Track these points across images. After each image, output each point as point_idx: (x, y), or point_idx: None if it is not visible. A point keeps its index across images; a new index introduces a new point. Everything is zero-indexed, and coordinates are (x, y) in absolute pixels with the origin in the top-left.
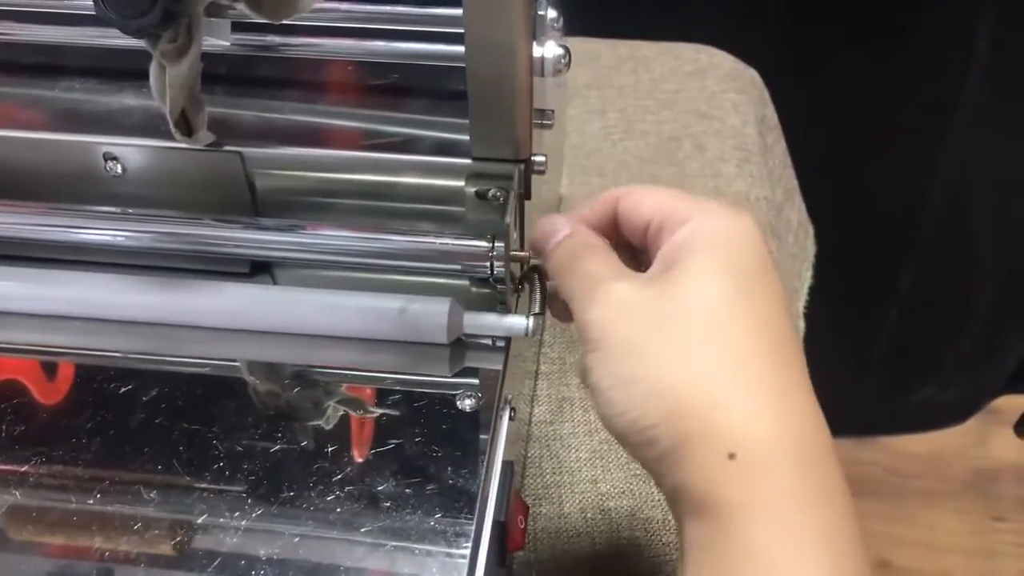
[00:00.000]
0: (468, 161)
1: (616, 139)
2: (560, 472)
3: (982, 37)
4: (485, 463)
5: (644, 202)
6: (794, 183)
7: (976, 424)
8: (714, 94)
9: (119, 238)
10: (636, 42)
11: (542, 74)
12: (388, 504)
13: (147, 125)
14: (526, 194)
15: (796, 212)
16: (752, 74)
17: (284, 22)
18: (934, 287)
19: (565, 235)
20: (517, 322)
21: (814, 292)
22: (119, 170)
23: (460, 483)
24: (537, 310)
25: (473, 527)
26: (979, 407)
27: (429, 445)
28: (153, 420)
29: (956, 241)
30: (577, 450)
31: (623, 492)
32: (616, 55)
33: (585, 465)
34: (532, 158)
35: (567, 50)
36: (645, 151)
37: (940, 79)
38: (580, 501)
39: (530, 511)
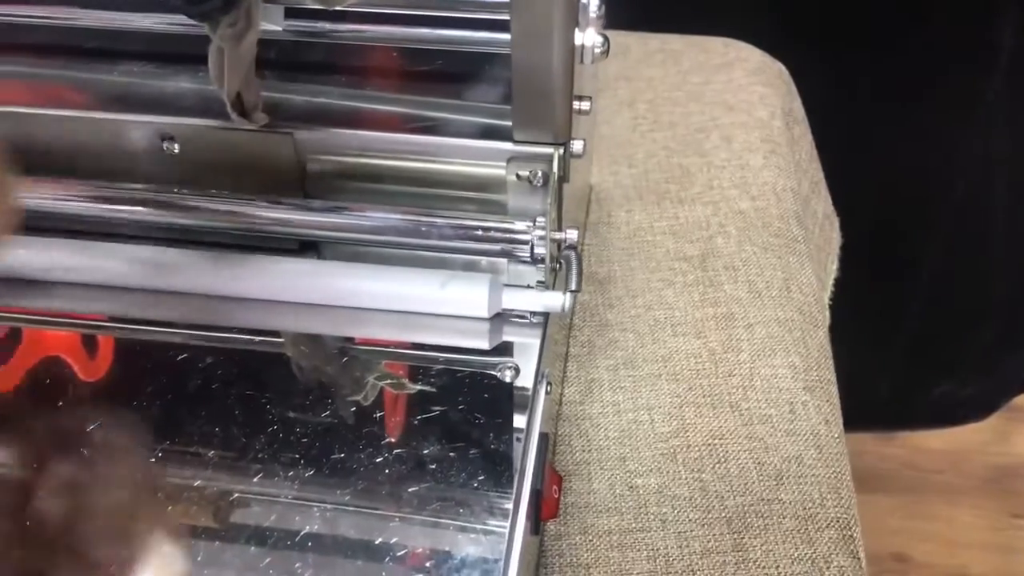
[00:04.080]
0: (510, 145)
1: (645, 130)
2: (589, 450)
3: (1007, 33)
4: (525, 431)
5: None
6: (820, 176)
7: (997, 421)
8: (742, 87)
9: (172, 215)
10: (665, 35)
11: (581, 61)
12: (433, 466)
13: (202, 107)
14: (565, 177)
15: (822, 204)
16: (779, 68)
17: (335, 8)
18: (956, 283)
19: None
20: (554, 298)
21: (836, 285)
22: (176, 149)
23: (501, 449)
24: (573, 287)
25: (513, 490)
26: (1000, 404)
27: (472, 413)
28: (209, 386)
29: (978, 237)
30: (606, 429)
31: (651, 470)
32: (646, 48)
33: (613, 444)
34: (571, 142)
35: (606, 38)
36: (673, 142)
37: (964, 75)
38: (609, 478)
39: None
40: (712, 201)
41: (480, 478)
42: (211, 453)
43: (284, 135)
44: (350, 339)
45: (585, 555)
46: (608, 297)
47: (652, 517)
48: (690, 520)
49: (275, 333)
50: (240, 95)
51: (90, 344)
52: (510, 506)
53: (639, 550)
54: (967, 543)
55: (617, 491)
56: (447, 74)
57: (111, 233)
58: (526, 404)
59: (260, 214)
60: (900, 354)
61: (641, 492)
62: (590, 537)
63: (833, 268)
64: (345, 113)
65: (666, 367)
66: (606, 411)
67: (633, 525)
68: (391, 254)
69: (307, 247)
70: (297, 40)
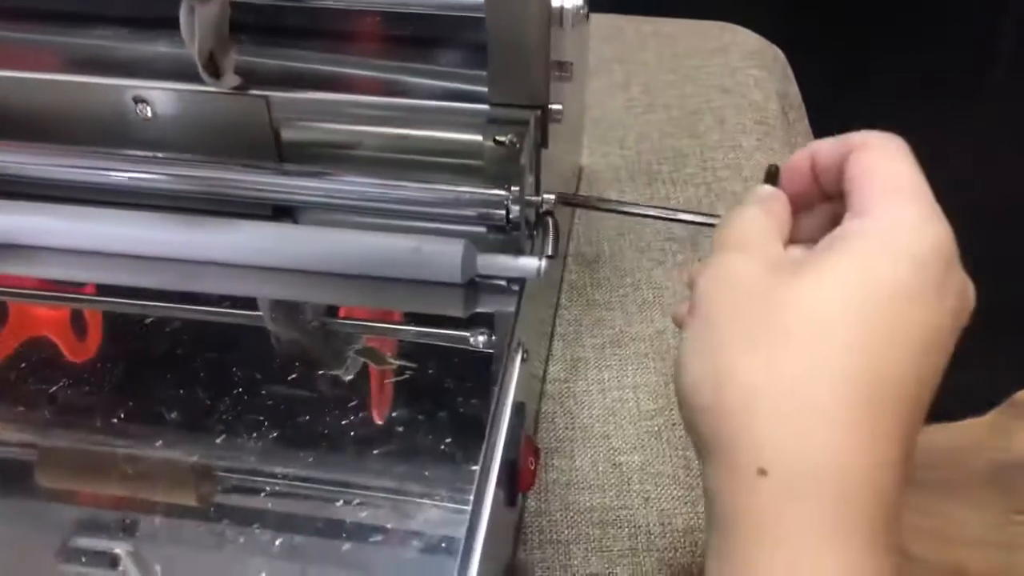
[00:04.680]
0: (486, 107)
1: (638, 112)
2: (573, 428)
3: (1008, 24)
4: (496, 396)
5: (855, 166)
6: None
7: (997, 416)
8: (737, 69)
9: (146, 180)
10: (660, 19)
11: (561, 25)
12: (400, 433)
13: (177, 70)
14: (543, 142)
15: None
16: (775, 51)
17: None
18: None
19: (761, 196)
20: (529, 263)
21: None
22: (149, 113)
23: (470, 417)
24: (550, 253)
25: (481, 457)
26: (1000, 399)
27: (442, 381)
28: (175, 351)
29: (978, 232)
30: (590, 407)
31: (634, 447)
32: (640, 31)
33: (597, 421)
34: (549, 106)
35: (586, 1)
36: (666, 124)
37: (964, 69)
38: (592, 455)
39: (543, 464)
40: (704, 182)
41: (448, 445)
42: (173, 415)
43: (258, 98)
44: (321, 305)
45: (566, 531)
46: (596, 277)
47: (635, 494)
48: (673, 498)
49: (245, 299)
50: (213, 56)
51: (65, 312)
52: (477, 473)
53: (620, 527)
54: (965, 539)
55: (600, 468)
56: (425, 38)
57: (83, 198)
58: (500, 372)
59: (232, 177)
60: None
61: (624, 469)
62: (571, 514)
63: None
64: (321, 77)
65: (653, 346)
66: (591, 389)
67: (615, 502)
68: (369, 222)
69: (281, 212)
70: (275, 3)
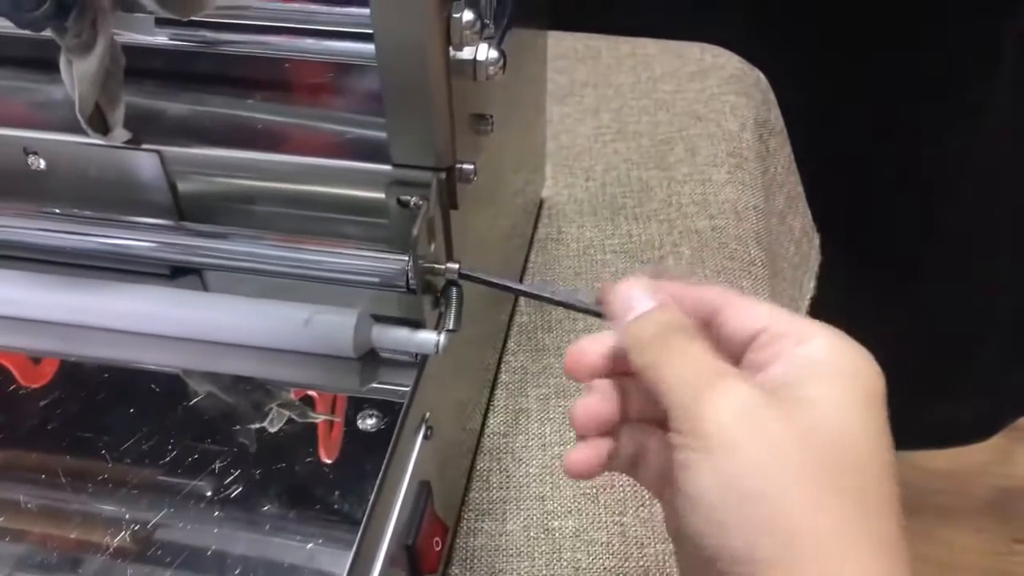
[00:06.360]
0: (388, 168)
1: (607, 140)
2: (507, 487)
3: (1010, 38)
4: (379, 483)
5: (753, 310)
6: (799, 190)
7: (1000, 441)
8: (713, 96)
9: (34, 235)
10: (639, 39)
11: (475, 78)
12: (268, 527)
13: (74, 119)
14: (451, 204)
15: (799, 219)
16: (757, 75)
17: (220, 20)
18: (956, 299)
19: (654, 307)
20: (428, 338)
21: (830, 305)
22: (41, 165)
23: (347, 509)
24: (451, 327)
25: (352, 552)
26: (1003, 424)
27: (321, 465)
28: (45, 425)
29: (978, 251)
30: (528, 464)
31: (569, 511)
32: (617, 53)
33: (534, 480)
34: (459, 166)
35: (502, 53)
36: (635, 153)
37: (965, 82)
38: (524, 519)
39: (470, 527)
40: (668, 219)
41: (320, 539)
42: (29, 504)
43: (151, 152)
44: (208, 374)
45: None
46: (548, 319)
47: (565, 564)
48: (605, 568)
49: (123, 365)
50: (100, 109)
51: None
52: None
53: None
54: (965, 567)
55: (532, 533)
56: (335, 88)
57: None
58: (395, 452)
59: (122, 236)
60: (900, 374)
61: (557, 535)
62: None
63: (810, 287)
64: (226, 126)
65: None
66: (530, 444)
67: (544, 572)
68: (275, 281)
69: (182, 273)
70: (181, 49)
